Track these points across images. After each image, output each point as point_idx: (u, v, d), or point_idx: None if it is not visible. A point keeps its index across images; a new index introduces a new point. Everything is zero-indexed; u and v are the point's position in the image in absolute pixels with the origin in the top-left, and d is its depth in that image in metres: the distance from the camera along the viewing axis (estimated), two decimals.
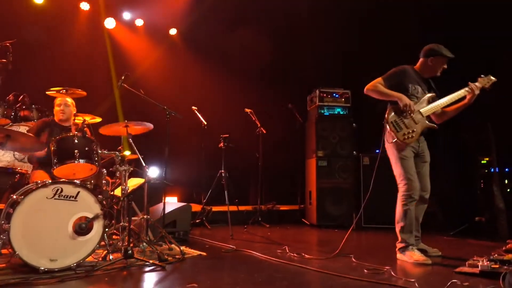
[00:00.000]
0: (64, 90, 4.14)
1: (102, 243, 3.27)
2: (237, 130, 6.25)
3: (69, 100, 4.20)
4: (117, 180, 3.99)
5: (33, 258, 2.90)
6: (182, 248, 3.74)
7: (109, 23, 7.13)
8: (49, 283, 2.76)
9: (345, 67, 7.22)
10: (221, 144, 5.56)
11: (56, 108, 4.18)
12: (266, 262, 3.51)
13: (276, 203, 6.88)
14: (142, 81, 6.20)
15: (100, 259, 3.29)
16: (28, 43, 5.90)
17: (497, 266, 2.95)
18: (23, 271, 2.92)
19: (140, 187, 4.09)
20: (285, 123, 7.30)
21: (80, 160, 3.40)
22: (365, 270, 3.14)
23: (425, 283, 2.80)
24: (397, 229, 3.68)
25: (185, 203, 4.92)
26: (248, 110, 6.21)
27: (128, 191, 3.74)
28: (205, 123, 5.70)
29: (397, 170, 3.71)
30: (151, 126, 4.01)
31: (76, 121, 3.91)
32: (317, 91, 6.42)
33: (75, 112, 4.18)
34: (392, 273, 3.01)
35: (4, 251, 3.12)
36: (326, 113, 6.38)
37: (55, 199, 3.05)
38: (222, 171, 5.46)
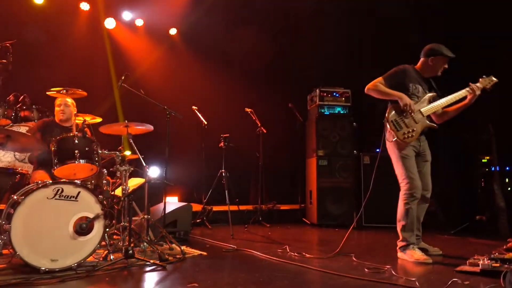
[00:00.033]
0: (65, 90, 4.13)
1: (103, 243, 3.27)
2: (238, 129, 6.25)
3: (69, 100, 4.20)
4: (118, 180, 3.99)
5: (34, 258, 2.90)
6: (183, 247, 3.74)
7: (109, 23, 7.13)
8: (50, 283, 2.76)
9: (345, 67, 7.22)
10: (222, 144, 5.56)
11: (56, 109, 4.19)
12: (267, 262, 3.52)
13: (276, 202, 6.88)
14: (142, 81, 6.21)
15: (101, 259, 3.29)
16: (28, 43, 5.90)
17: (498, 264, 2.95)
18: (24, 271, 2.92)
19: (141, 187, 4.10)
20: (285, 123, 7.31)
21: (81, 160, 3.40)
22: (366, 269, 3.14)
23: (426, 282, 2.80)
24: (398, 228, 3.68)
25: (186, 203, 4.92)
26: (248, 110, 6.21)
27: (129, 191, 3.75)
28: (206, 122, 5.70)
29: (398, 169, 3.71)
30: (151, 127, 4.01)
31: (76, 121, 3.92)
32: (317, 90, 6.41)
33: (75, 112, 4.18)
34: (393, 272, 3.02)
35: (5, 251, 3.13)
36: (327, 112, 6.38)
37: (55, 199, 3.05)
38: (223, 170, 5.46)
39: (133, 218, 3.87)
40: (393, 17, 6.70)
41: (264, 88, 7.55)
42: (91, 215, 3.16)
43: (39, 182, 3.16)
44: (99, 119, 4.53)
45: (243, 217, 6.12)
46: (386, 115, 3.69)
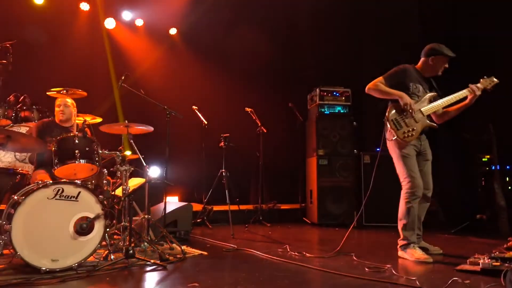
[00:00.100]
0: (65, 91, 4.14)
1: (103, 243, 3.27)
2: (238, 129, 6.25)
3: (69, 100, 4.20)
4: (118, 180, 3.99)
5: (35, 258, 2.91)
6: (183, 247, 3.75)
7: (109, 23, 7.12)
8: (50, 283, 2.76)
9: (345, 67, 7.22)
10: (222, 144, 5.56)
11: (56, 109, 4.18)
12: (267, 261, 3.52)
13: (277, 202, 6.88)
14: (142, 81, 6.21)
15: (102, 259, 3.30)
16: (28, 43, 5.90)
17: (498, 263, 2.95)
18: (25, 271, 2.92)
19: (141, 187, 4.10)
20: (285, 122, 7.31)
21: (81, 160, 3.40)
22: (366, 269, 3.14)
23: (426, 281, 2.80)
24: (399, 227, 3.68)
25: (186, 203, 4.93)
26: (248, 109, 6.21)
27: (129, 191, 3.75)
28: (206, 122, 5.71)
29: (399, 168, 3.71)
30: (151, 128, 4.02)
31: (76, 121, 3.92)
32: (318, 90, 6.41)
33: (75, 112, 4.18)
34: (393, 271, 3.01)
35: (5, 251, 3.13)
36: (327, 112, 6.38)
37: (56, 199, 3.05)
38: (223, 170, 5.45)
39: (134, 218, 3.87)
40: (393, 17, 6.70)
41: (264, 88, 7.55)
42: (91, 215, 3.16)
43: (40, 182, 3.16)
44: (99, 119, 4.54)
45: (243, 217, 6.13)
46: (387, 114, 3.69)
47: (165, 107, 4.35)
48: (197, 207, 5.78)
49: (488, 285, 2.64)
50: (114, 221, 3.92)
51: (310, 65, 7.61)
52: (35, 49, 6.22)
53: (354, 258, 3.53)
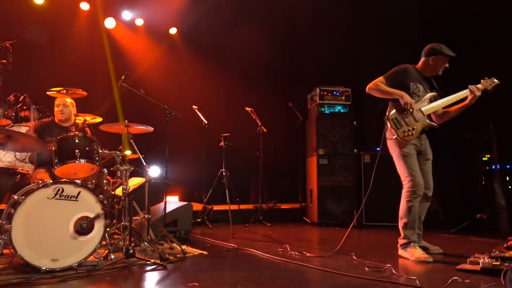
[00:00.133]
0: (65, 90, 4.15)
1: (103, 242, 3.27)
2: (238, 129, 6.25)
3: (69, 100, 4.20)
4: (118, 179, 3.99)
5: (35, 258, 2.91)
6: (183, 247, 3.75)
7: (109, 23, 7.12)
8: (50, 283, 2.76)
9: (345, 67, 7.22)
10: (222, 143, 5.55)
11: (56, 109, 4.18)
12: (267, 261, 3.52)
13: (277, 201, 6.88)
14: (142, 81, 6.21)
15: (102, 258, 3.30)
16: (28, 43, 5.90)
17: (498, 263, 2.95)
18: (25, 271, 2.92)
19: (141, 187, 4.10)
20: (285, 122, 7.31)
21: (81, 160, 3.40)
22: (366, 268, 3.14)
23: (426, 280, 2.80)
24: (400, 225, 3.68)
25: (186, 202, 4.93)
26: (248, 109, 6.21)
27: (129, 190, 3.75)
28: (206, 122, 5.71)
29: (400, 167, 3.72)
30: (151, 129, 4.02)
31: (76, 121, 3.92)
32: (318, 89, 6.42)
33: (75, 112, 4.18)
34: (393, 270, 3.02)
35: (5, 251, 3.13)
36: (327, 111, 6.38)
37: (56, 199, 3.05)
38: (223, 170, 5.45)
39: (134, 217, 3.87)
40: (393, 17, 6.70)
41: (264, 88, 7.55)
42: (91, 215, 3.16)
43: (40, 182, 3.16)
44: (99, 119, 4.53)
45: (243, 216, 6.13)
46: (387, 113, 3.70)
47: (165, 106, 4.35)
48: (197, 206, 5.78)
49: (488, 285, 2.64)
50: (114, 221, 3.93)
51: (310, 65, 7.61)
52: (35, 49, 6.22)
53: (354, 257, 3.53)
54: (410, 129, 3.62)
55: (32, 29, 6.14)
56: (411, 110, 3.59)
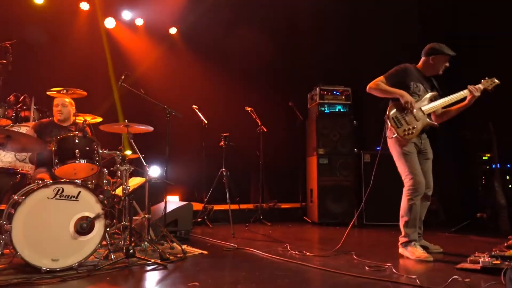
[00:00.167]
0: (65, 90, 4.15)
1: (104, 242, 3.27)
2: (238, 128, 6.25)
3: (67, 100, 4.20)
4: (118, 179, 3.99)
5: (35, 258, 2.91)
6: (184, 247, 3.75)
7: (109, 22, 7.13)
8: (51, 283, 2.76)
9: (345, 66, 7.21)
10: (222, 143, 5.56)
11: (54, 109, 4.18)
12: (268, 260, 3.52)
13: (277, 201, 6.89)
14: (142, 81, 6.21)
15: (102, 258, 3.30)
16: (28, 43, 5.91)
17: (499, 262, 2.95)
18: (25, 271, 2.92)
19: (141, 187, 4.10)
20: (285, 121, 7.31)
21: (81, 160, 3.40)
22: (367, 267, 3.14)
23: (427, 279, 2.80)
24: (401, 224, 3.69)
25: (187, 202, 4.93)
26: (248, 109, 6.21)
27: (129, 190, 3.75)
28: (206, 122, 5.71)
29: (400, 166, 3.72)
30: (151, 128, 4.02)
31: (76, 121, 3.92)
32: (318, 89, 6.41)
33: (74, 112, 4.18)
34: (394, 270, 3.02)
35: (6, 251, 3.13)
36: (327, 111, 6.38)
37: (56, 199, 3.06)
38: (223, 169, 5.46)
39: (134, 217, 3.87)
40: (393, 17, 6.70)
41: (264, 87, 7.55)
42: (91, 215, 3.16)
43: (40, 182, 3.17)
44: (99, 119, 4.54)
45: (244, 216, 6.13)
46: (387, 112, 3.70)
47: (165, 106, 4.35)
48: (197, 206, 5.78)
49: (488, 284, 2.64)
50: (114, 221, 3.92)
51: (310, 65, 7.61)
52: (35, 49, 6.22)
53: (355, 257, 3.53)
54: (411, 127, 3.62)
55: (32, 29, 6.14)
56: (411, 108, 3.59)
